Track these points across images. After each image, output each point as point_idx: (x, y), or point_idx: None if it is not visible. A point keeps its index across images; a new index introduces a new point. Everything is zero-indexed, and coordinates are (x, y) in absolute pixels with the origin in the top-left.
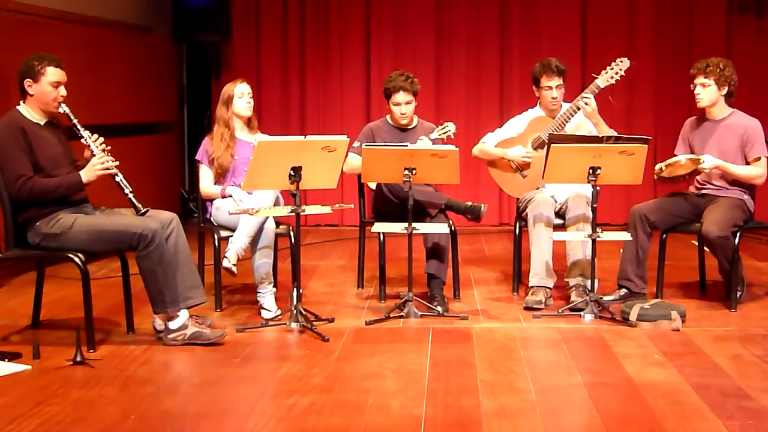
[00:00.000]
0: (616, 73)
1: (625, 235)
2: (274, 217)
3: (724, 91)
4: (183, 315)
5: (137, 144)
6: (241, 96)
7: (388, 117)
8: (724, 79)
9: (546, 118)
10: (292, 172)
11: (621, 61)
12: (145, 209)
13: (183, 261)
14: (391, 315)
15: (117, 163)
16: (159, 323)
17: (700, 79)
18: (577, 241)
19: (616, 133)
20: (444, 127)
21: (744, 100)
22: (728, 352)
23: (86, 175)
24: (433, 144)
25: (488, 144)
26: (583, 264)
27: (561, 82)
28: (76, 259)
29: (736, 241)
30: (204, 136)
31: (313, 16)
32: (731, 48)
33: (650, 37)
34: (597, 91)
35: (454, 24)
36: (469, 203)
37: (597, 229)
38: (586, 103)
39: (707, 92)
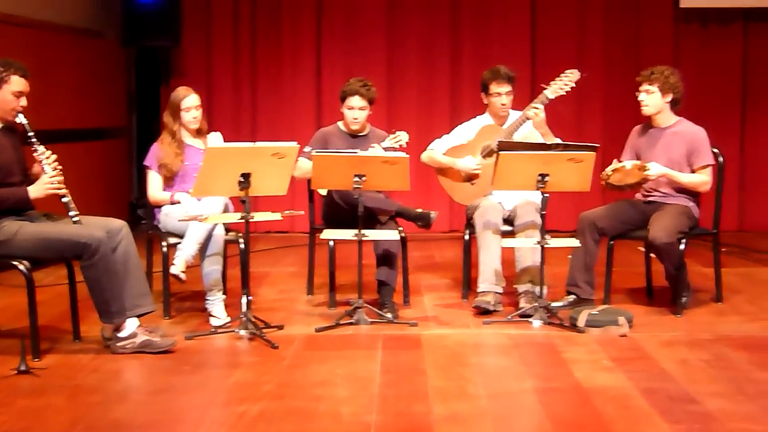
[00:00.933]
0: (566, 84)
1: (574, 242)
2: (223, 223)
3: (669, 99)
4: (132, 323)
5: (85, 150)
6: (188, 110)
7: (340, 123)
8: (668, 87)
9: (496, 126)
10: (241, 179)
11: (571, 73)
12: (77, 218)
13: (132, 269)
14: (342, 322)
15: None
16: (107, 331)
17: (644, 86)
18: (527, 247)
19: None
20: (396, 137)
21: (690, 108)
22: (675, 357)
23: (35, 192)
24: (384, 152)
25: (437, 151)
26: (532, 270)
27: (510, 89)
28: (21, 267)
29: (682, 247)
30: (153, 142)
31: (265, 22)
32: (678, 57)
33: (599, 45)
34: (547, 102)
35: (406, 31)
36: (420, 210)
37: (546, 236)
38: (535, 114)
39: (651, 99)
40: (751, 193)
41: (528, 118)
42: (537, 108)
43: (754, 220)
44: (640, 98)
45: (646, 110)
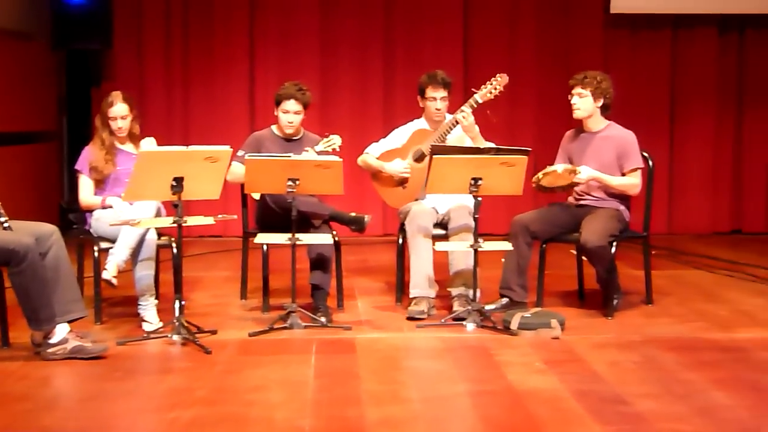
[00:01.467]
0: (495, 88)
1: (507, 245)
2: (155, 228)
3: (600, 103)
4: (62, 329)
5: (15, 154)
6: (114, 120)
7: (274, 127)
8: (600, 92)
9: (428, 130)
10: (174, 183)
11: (500, 77)
12: (6, 224)
13: (63, 274)
14: (275, 326)
15: None
16: (37, 338)
17: (577, 89)
18: (460, 251)
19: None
20: (329, 140)
21: (620, 113)
22: (606, 359)
23: None
24: (318, 156)
25: (371, 155)
26: (466, 274)
27: (446, 94)
28: None
29: (613, 250)
30: (84, 146)
31: (197, 25)
32: (608, 61)
33: (531, 49)
34: (476, 106)
35: (339, 35)
36: (353, 214)
37: (479, 239)
38: (463, 117)
39: (583, 103)
40: (679, 196)
41: (457, 123)
42: (465, 112)
43: (683, 222)
44: (572, 101)
45: (578, 113)
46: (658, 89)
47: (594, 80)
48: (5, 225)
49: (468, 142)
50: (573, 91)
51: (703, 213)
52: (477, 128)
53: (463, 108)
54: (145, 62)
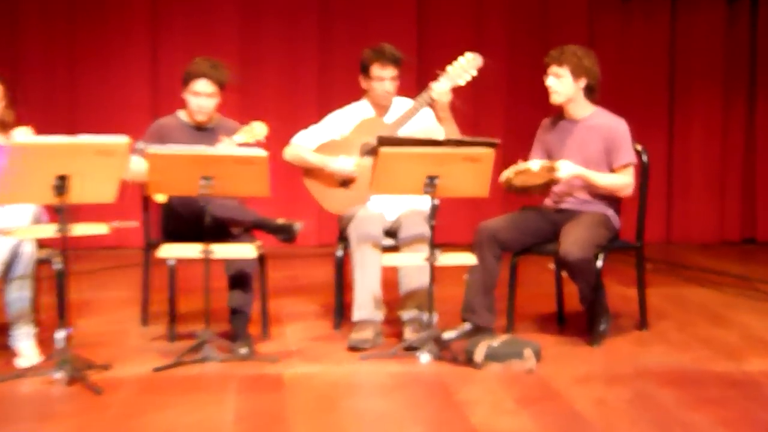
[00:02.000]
0: (465, 72)
1: (470, 258)
2: (33, 238)
3: (582, 84)
4: None
5: None
6: None
7: (182, 113)
8: (581, 70)
9: (378, 119)
10: (57, 182)
11: (472, 58)
12: None
13: None
14: (185, 359)
15: None
16: None
17: (553, 69)
18: (413, 266)
19: (460, 136)
20: (251, 129)
21: (609, 98)
22: (591, 396)
23: None
24: (238, 147)
25: (304, 147)
26: (420, 294)
27: (396, 73)
28: None
29: (599, 264)
30: None
31: None
32: (594, 37)
33: (501, 24)
34: (446, 90)
35: (263, 5)
36: (282, 220)
37: (436, 251)
38: (438, 95)
39: (562, 85)
40: (680, 198)
41: (432, 101)
42: (443, 83)
43: (685, 230)
44: (548, 84)
45: (556, 98)
46: (655, 69)
47: (573, 56)
48: None
49: (430, 134)
50: (549, 71)
51: (709, 218)
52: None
53: (440, 80)
54: (22, 41)
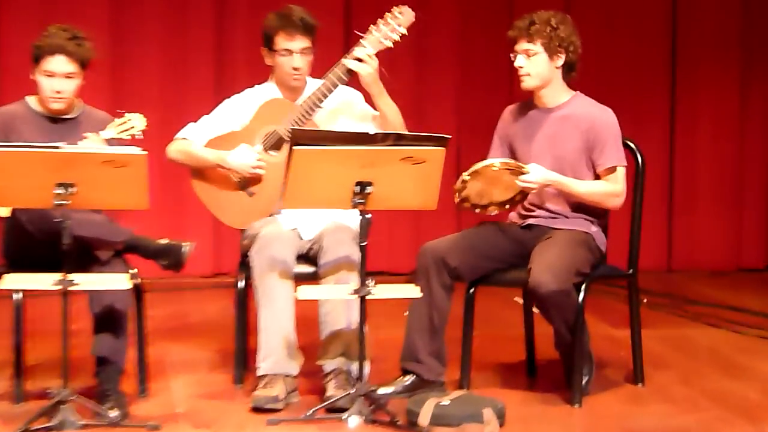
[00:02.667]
0: (393, 31)
1: (413, 290)
2: None
3: (560, 62)
4: None
5: None
6: None
7: (31, 99)
8: (558, 44)
9: (285, 101)
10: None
11: (400, 13)
12: None
13: None
14: (35, 426)
15: None
16: None
17: (522, 45)
18: (337, 301)
19: (403, 129)
20: (125, 121)
21: (591, 79)
22: None
23: None
24: (108, 145)
25: (192, 141)
26: (347, 337)
27: (308, 44)
28: None
29: (581, 297)
30: None
31: None
32: (571, 2)
33: None
34: (371, 54)
35: None
36: (165, 241)
37: (368, 281)
38: (364, 58)
39: (534, 65)
40: (685, 212)
41: (345, 77)
42: (365, 48)
43: (691, 254)
44: (516, 64)
45: (528, 82)
46: (652, 45)
47: (546, 27)
48: None
49: (353, 119)
50: (516, 48)
51: (722, 239)
52: (380, 82)
53: (362, 43)
54: None
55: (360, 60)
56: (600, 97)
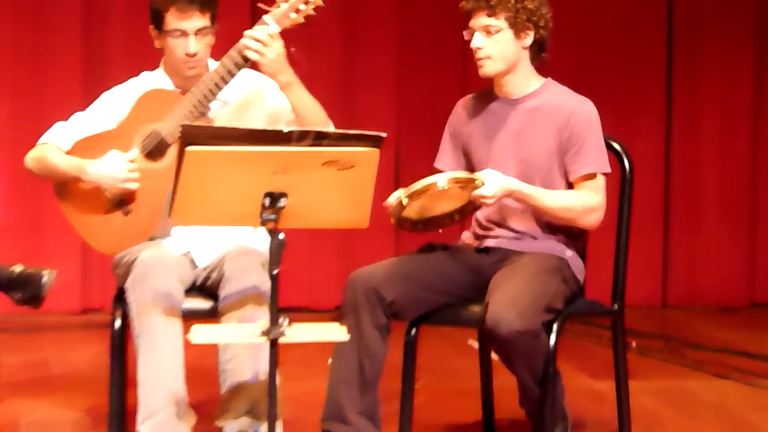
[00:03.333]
0: (307, 3)
1: (338, 331)
2: None
3: (528, 40)
4: None
5: None
6: None
7: None
8: (526, 17)
9: (172, 92)
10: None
11: None
12: None
13: None
14: None
15: None
16: None
17: (480, 20)
18: (242, 345)
19: (330, 125)
20: None
21: (567, 64)
22: None
23: None
24: None
25: (54, 147)
26: (254, 391)
27: (207, 23)
28: None
29: (552, 339)
30: None
31: None
32: None
33: None
34: (273, 33)
35: None
36: (20, 268)
37: (281, 319)
38: (257, 50)
39: (497, 45)
40: (684, 234)
41: (243, 62)
42: (267, 26)
43: (691, 286)
44: (473, 45)
45: (489, 67)
46: (643, 16)
47: None
48: None
49: (260, 113)
50: (472, 24)
51: (731, 265)
52: (290, 70)
53: (264, 20)
54: None
55: (260, 42)
56: (577, 84)
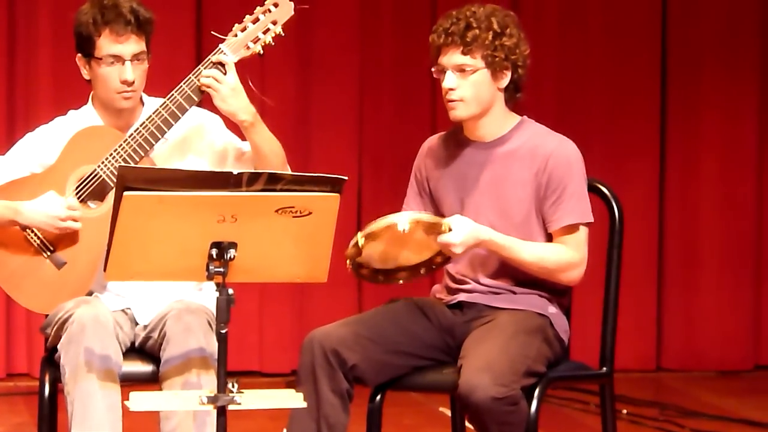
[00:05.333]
0: (266, 32)
1: (294, 398)
2: None
3: (505, 82)
4: None
5: None
6: None
7: None
8: (504, 57)
9: (109, 129)
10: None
11: (275, 5)
12: None
13: None
14: None
15: None
16: None
17: (453, 58)
18: (186, 413)
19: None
20: None
21: (544, 93)
22: None
23: None
24: None
25: None
26: None
27: (143, 47)
28: None
29: (534, 407)
30: None
31: None
32: None
33: None
34: (227, 67)
35: None
36: None
37: (231, 383)
38: (210, 85)
39: (471, 87)
40: (681, 286)
41: (195, 96)
42: (222, 57)
43: (690, 347)
44: (445, 85)
45: (461, 111)
46: (633, 41)
47: (488, 33)
48: None
49: (206, 152)
50: (443, 61)
51: (733, 324)
52: (251, 106)
53: (222, 49)
54: None
55: (221, 70)
56: (560, 123)
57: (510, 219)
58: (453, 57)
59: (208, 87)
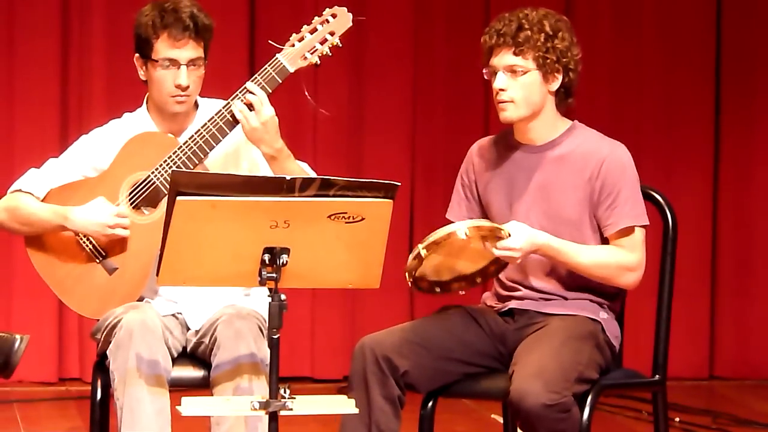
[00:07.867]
0: (323, 42)
1: (346, 404)
2: None
3: (556, 84)
4: None
5: None
6: None
7: None
8: (555, 59)
9: (163, 135)
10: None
11: (333, 16)
12: None
13: None
14: None
15: None
16: None
17: (505, 58)
18: (237, 419)
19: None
20: None
21: (596, 100)
22: None
23: None
24: None
25: (28, 194)
26: None
27: (200, 53)
28: None
29: (586, 414)
30: None
31: None
32: None
33: None
34: (280, 81)
35: None
36: None
37: (283, 389)
38: (244, 111)
39: (522, 88)
40: (735, 294)
41: (234, 121)
42: (252, 95)
43: (742, 354)
44: (496, 86)
45: (511, 112)
46: (686, 49)
47: (540, 34)
48: None
49: (263, 168)
50: (494, 62)
51: None
52: (281, 141)
53: (247, 88)
54: None
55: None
56: (612, 131)
57: (560, 224)
58: (504, 58)
59: (241, 110)
